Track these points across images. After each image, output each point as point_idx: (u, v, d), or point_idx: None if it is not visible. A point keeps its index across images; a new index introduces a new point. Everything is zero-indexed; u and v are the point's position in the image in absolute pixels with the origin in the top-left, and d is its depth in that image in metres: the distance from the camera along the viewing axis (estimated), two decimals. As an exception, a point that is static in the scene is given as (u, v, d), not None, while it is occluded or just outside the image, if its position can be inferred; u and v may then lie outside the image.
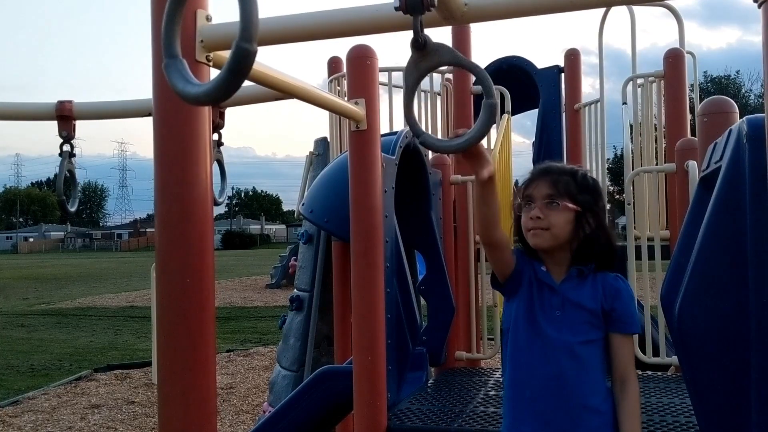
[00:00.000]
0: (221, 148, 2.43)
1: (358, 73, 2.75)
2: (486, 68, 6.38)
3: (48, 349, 10.42)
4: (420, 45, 1.24)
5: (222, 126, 2.39)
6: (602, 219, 1.97)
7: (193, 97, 0.85)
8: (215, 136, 2.41)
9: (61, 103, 2.34)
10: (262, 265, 27.83)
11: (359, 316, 2.75)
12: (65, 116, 2.34)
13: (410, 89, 1.33)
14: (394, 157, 3.14)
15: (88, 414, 6.52)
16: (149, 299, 10.32)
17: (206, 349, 1.65)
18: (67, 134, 2.36)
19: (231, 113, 2.41)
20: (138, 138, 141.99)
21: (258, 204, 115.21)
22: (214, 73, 1.81)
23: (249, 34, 0.76)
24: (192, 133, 1.67)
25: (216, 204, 2.45)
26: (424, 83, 4.85)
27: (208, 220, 1.68)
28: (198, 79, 1.81)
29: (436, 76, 4.96)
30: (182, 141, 1.67)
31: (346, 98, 3.01)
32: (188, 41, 1.70)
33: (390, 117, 4.85)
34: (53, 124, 2.46)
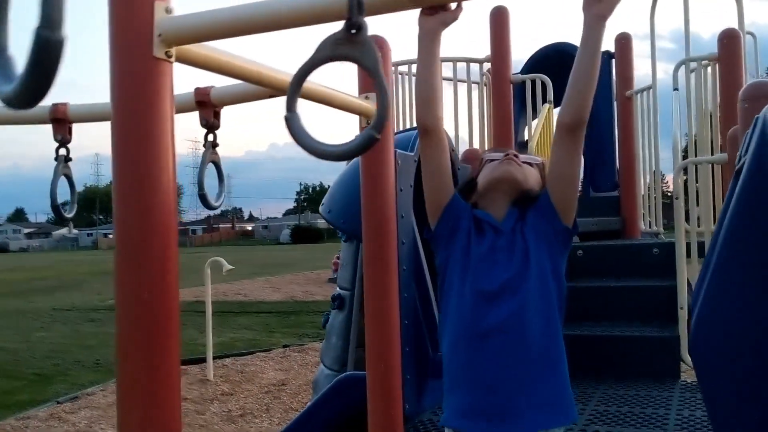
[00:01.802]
0: (217, 149, 2.32)
1: (369, 65, 2.58)
2: (534, 55, 6.13)
3: (114, 343, 10.68)
4: (353, 26, 1.08)
5: (217, 126, 2.27)
6: None
7: (4, 98, 0.69)
8: (210, 137, 2.30)
9: (55, 105, 2.27)
10: (326, 259, 28.00)
11: (372, 322, 2.60)
12: (60, 119, 2.27)
13: (314, 63, 1.15)
14: (412, 154, 2.98)
15: (141, 410, 6.61)
16: (212, 294, 10.46)
17: (169, 364, 1.55)
18: (62, 137, 2.29)
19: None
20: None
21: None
22: (180, 69, 1.69)
23: (49, 19, 0.61)
24: (151, 136, 1.56)
25: (212, 208, 2.35)
26: (461, 73, 4.64)
27: (171, 228, 1.57)
28: (158, 77, 1.69)
29: (474, 65, 4.74)
30: (140, 144, 1.56)
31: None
32: (144, 36, 1.59)
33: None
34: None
